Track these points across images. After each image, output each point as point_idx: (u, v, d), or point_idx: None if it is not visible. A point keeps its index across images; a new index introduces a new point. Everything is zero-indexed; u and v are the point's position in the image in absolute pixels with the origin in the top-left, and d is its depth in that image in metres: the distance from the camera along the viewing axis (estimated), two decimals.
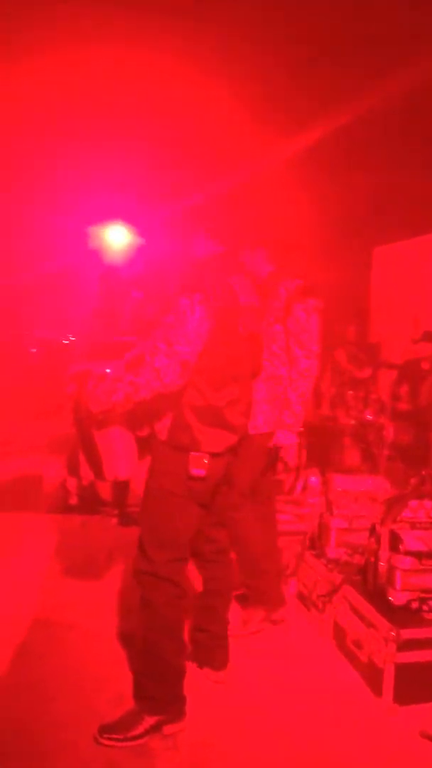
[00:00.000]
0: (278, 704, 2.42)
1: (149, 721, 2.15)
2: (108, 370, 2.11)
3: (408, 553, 2.63)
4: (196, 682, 2.46)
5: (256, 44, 5.22)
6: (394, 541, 2.69)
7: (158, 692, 2.18)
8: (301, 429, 2.98)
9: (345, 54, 5.29)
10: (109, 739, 2.12)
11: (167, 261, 2.37)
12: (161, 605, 2.17)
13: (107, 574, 3.38)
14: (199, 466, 2.11)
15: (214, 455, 2.14)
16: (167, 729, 2.16)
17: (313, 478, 4.28)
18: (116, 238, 7.53)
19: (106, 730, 2.14)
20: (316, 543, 3.32)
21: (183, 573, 2.24)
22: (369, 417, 4.86)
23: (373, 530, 2.90)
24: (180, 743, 2.16)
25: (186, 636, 2.38)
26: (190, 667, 2.48)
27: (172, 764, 2.08)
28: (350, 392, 5.14)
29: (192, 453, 2.11)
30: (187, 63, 5.30)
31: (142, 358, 2.03)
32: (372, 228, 8.61)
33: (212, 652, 2.53)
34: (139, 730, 2.13)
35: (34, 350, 6.71)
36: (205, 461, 2.11)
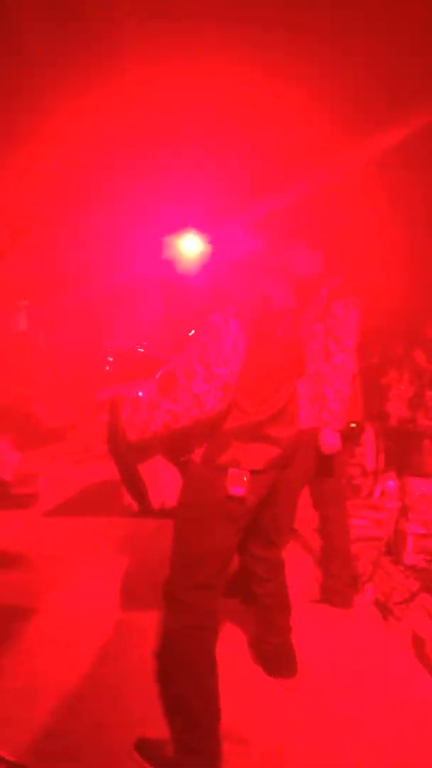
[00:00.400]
0: (354, 713, 2.36)
1: (173, 757, 2.00)
2: (140, 393, 1.99)
3: None
4: (270, 686, 2.45)
5: (335, 44, 5.14)
6: None
7: (178, 731, 2.01)
8: (352, 426, 2.90)
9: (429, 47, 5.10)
10: (140, 756, 2.06)
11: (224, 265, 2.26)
12: (177, 632, 1.98)
13: None
14: (238, 484, 1.92)
15: (255, 472, 1.95)
16: None
17: (390, 483, 4.15)
18: (190, 247, 7.63)
19: (141, 746, 2.08)
20: (392, 549, 3.22)
21: (210, 603, 2.01)
22: None
23: None
24: (252, 748, 2.15)
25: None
26: (260, 673, 2.48)
27: None
28: (429, 393, 4.94)
29: (231, 470, 1.93)
30: (262, 67, 5.30)
31: (175, 379, 1.87)
32: None
33: (277, 661, 2.48)
34: (162, 764, 2.02)
35: (111, 359, 6.93)
36: (245, 479, 1.92)
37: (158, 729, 2.17)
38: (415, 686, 2.54)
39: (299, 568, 3.51)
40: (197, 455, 1.97)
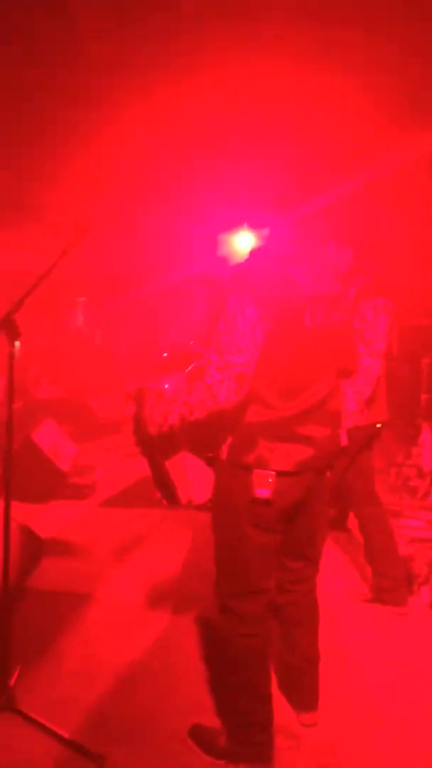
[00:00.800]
0: (405, 714, 2.33)
1: (226, 747, 2.04)
2: (167, 386, 1.90)
3: None
4: (321, 685, 2.45)
5: (388, 35, 5.03)
6: None
7: (231, 725, 2.05)
8: (377, 427, 2.87)
9: None
10: (194, 743, 2.11)
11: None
12: (226, 639, 1.98)
13: None
14: (264, 486, 1.80)
15: (283, 474, 1.82)
16: (243, 767, 1.99)
17: None
18: (243, 244, 7.66)
19: (195, 733, 2.13)
20: None
21: (256, 609, 1.95)
22: None
23: None
24: (303, 743, 2.16)
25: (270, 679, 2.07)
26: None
27: (295, 764, 2.08)
28: None
29: (256, 471, 1.81)
30: (313, 63, 5.24)
31: (200, 371, 1.78)
32: None
33: (294, 688, 2.26)
34: (215, 752, 2.06)
35: (165, 354, 7.05)
36: (270, 480, 1.80)
37: (211, 717, 2.21)
38: None
39: (353, 568, 3.48)
40: (223, 452, 1.88)
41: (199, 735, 2.13)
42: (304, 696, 2.24)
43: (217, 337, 1.77)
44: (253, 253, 1.99)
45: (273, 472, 1.81)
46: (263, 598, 1.96)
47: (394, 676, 2.56)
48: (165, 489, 2.05)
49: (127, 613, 3.02)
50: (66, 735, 2.10)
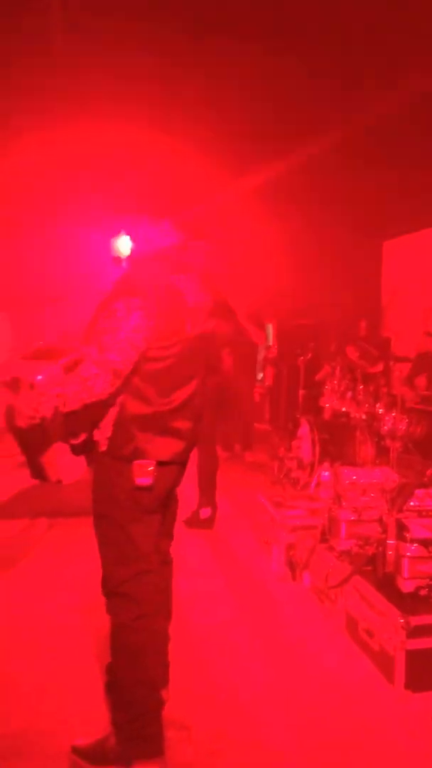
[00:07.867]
0: (294, 694, 2.46)
1: (116, 750, 2.02)
2: (39, 377, 1.93)
3: (414, 540, 2.65)
4: (207, 670, 2.50)
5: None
6: (401, 529, 2.71)
7: (126, 725, 2.01)
8: None
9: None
10: (79, 759, 2.04)
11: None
12: (122, 627, 2.01)
13: None
14: (144, 474, 1.94)
15: (162, 464, 1.99)
16: (136, 765, 1.97)
17: (326, 474, 4.30)
18: (122, 248, 7.65)
19: (77, 750, 2.06)
20: (327, 536, 3.34)
21: (148, 588, 2.03)
22: (380, 410, 4.86)
23: (380, 520, 2.93)
24: (194, 733, 2.20)
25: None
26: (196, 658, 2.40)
27: (185, 754, 2.12)
28: (361, 387, 5.14)
29: (136, 462, 1.94)
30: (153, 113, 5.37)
31: (75, 364, 1.89)
32: (380, 222, 8.61)
33: None
34: (104, 760, 2.01)
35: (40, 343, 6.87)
36: (150, 469, 1.95)
37: (100, 727, 2.18)
38: (349, 664, 2.67)
39: None
40: (102, 444, 1.96)
41: (82, 751, 2.06)
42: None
43: (98, 335, 1.88)
44: (139, 260, 2.11)
45: (153, 462, 1.95)
46: (153, 577, 2.06)
47: (278, 659, 2.68)
48: (34, 467, 2.07)
49: (8, 626, 2.92)
50: None
